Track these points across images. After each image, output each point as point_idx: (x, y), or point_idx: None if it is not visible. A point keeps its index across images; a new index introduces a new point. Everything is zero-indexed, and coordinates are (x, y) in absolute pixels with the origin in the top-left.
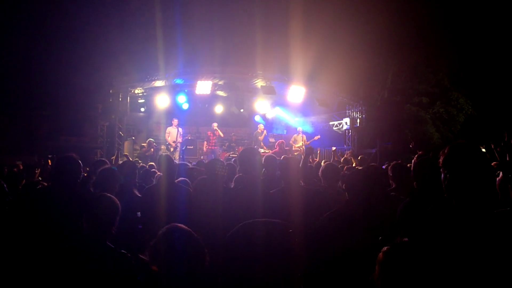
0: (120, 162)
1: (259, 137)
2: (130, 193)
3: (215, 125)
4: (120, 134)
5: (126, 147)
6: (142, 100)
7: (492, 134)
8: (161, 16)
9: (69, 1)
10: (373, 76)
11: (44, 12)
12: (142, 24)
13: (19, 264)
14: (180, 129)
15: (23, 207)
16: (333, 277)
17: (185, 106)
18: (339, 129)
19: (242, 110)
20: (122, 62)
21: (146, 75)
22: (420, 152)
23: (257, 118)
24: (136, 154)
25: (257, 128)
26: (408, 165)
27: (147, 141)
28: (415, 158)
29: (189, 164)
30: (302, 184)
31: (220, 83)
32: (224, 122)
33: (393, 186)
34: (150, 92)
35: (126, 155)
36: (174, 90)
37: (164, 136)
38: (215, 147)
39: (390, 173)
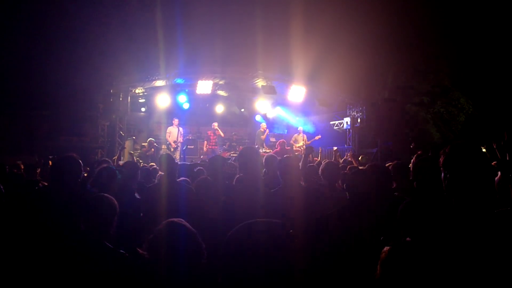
0: (122, 162)
1: (261, 136)
2: (131, 192)
3: (215, 124)
4: (121, 134)
5: (127, 147)
6: (143, 100)
7: (493, 134)
8: (161, 16)
9: (69, 1)
10: (374, 76)
11: (44, 12)
12: (142, 24)
13: (16, 264)
14: (180, 129)
15: (21, 206)
16: (334, 277)
17: (186, 106)
18: (339, 128)
19: (242, 110)
20: (122, 61)
21: (147, 75)
22: (419, 152)
23: (258, 117)
24: (136, 154)
25: (260, 127)
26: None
27: (147, 141)
28: (414, 158)
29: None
30: (302, 183)
31: (220, 82)
32: (224, 121)
33: (394, 185)
34: (151, 92)
35: (131, 153)
36: (175, 89)
37: (165, 136)
38: (216, 147)
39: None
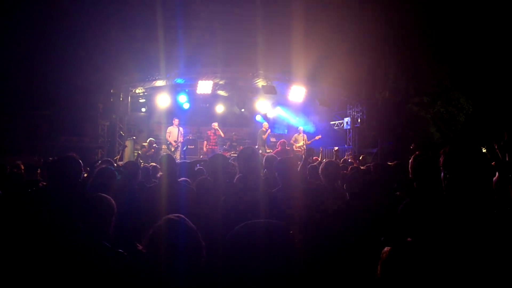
0: (121, 162)
1: (263, 136)
2: (132, 192)
3: (215, 125)
4: (121, 134)
5: (127, 147)
6: (143, 100)
7: (493, 134)
8: (162, 16)
9: (70, 1)
10: (374, 76)
11: (44, 11)
12: (143, 24)
13: (15, 263)
14: (181, 129)
15: (21, 206)
16: (334, 277)
17: (186, 106)
18: (340, 128)
19: (243, 110)
20: (123, 61)
21: (147, 75)
22: (417, 152)
23: (258, 117)
24: (136, 154)
25: (262, 126)
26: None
27: (147, 141)
28: (411, 158)
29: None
30: (302, 183)
31: (221, 82)
32: (225, 121)
33: (394, 185)
34: (151, 92)
35: (139, 154)
36: (175, 89)
37: (165, 136)
38: (216, 147)
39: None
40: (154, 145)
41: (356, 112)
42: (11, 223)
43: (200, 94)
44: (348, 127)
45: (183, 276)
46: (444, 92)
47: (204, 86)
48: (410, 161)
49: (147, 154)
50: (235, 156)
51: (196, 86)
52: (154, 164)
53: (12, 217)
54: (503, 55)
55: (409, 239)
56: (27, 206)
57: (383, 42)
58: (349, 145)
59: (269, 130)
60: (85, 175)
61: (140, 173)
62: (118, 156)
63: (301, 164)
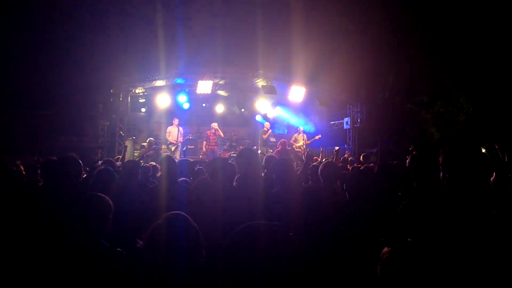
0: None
1: (263, 136)
2: (132, 192)
3: (215, 125)
4: (121, 134)
5: (127, 147)
6: (143, 100)
7: (492, 134)
8: (162, 16)
9: (70, 1)
10: (374, 76)
11: (44, 11)
12: (143, 24)
13: (13, 263)
14: (180, 129)
15: (20, 206)
16: (334, 278)
17: (186, 106)
18: (340, 128)
19: (243, 110)
20: (123, 61)
21: (147, 75)
22: (414, 153)
23: (258, 117)
24: (136, 154)
25: (263, 126)
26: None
27: (147, 141)
28: (409, 158)
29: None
30: (300, 184)
31: (221, 82)
32: (225, 121)
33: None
34: (151, 92)
35: (145, 157)
36: (175, 89)
37: (165, 136)
38: (215, 147)
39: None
40: (153, 146)
41: (356, 112)
42: (10, 223)
43: (200, 94)
44: (348, 127)
45: (182, 274)
46: (444, 91)
47: (204, 86)
48: (407, 161)
49: (147, 154)
50: (235, 156)
51: (196, 86)
52: (154, 164)
53: (11, 216)
54: (502, 55)
55: (409, 239)
56: (26, 206)
57: (383, 42)
58: (349, 145)
59: (270, 131)
60: (85, 175)
61: (140, 172)
62: (120, 157)
63: (301, 168)
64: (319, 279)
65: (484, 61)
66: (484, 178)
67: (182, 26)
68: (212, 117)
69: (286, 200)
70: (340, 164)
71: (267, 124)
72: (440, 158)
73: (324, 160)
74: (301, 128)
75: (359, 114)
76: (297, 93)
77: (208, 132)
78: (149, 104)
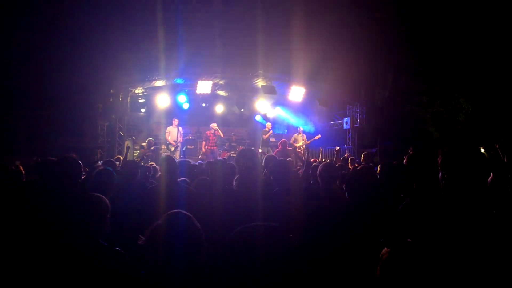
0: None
1: (263, 136)
2: (131, 192)
3: (214, 125)
4: (121, 134)
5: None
6: (143, 100)
7: (492, 134)
8: (162, 16)
9: (69, 1)
10: (374, 76)
11: (44, 11)
12: (142, 24)
13: (11, 264)
14: (180, 129)
15: (19, 206)
16: (333, 279)
17: (186, 106)
18: (339, 128)
19: (242, 110)
20: (122, 61)
21: (147, 75)
22: (411, 153)
23: (258, 117)
24: (136, 154)
25: (265, 126)
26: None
27: (146, 141)
28: (405, 159)
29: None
30: (299, 185)
31: (220, 82)
32: (224, 121)
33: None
34: (151, 92)
35: (146, 156)
36: (175, 89)
37: (165, 136)
38: (215, 147)
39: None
40: (152, 147)
41: (356, 112)
42: (9, 224)
43: (200, 94)
44: (348, 127)
45: (182, 273)
46: (443, 91)
47: (204, 86)
48: (404, 161)
49: (146, 153)
50: (234, 156)
51: (196, 86)
52: (153, 164)
53: (10, 217)
54: (501, 55)
55: (408, 240)
56: (25, 207)
57: (383, 42)
58: (349, 145)
59: (271, 131)
60: (84, 175)
61: (139, 173)
62: (122, 158)
63: (304, 169)
64: (319, 280)
65: (483, 61)
66: (483, 178)
67: (182, 26)
68: (211, 117)
69: (286, 201)
70: (339, 163)
71: (268, 125)
72: (438, 159)
73: (324, 160)
74: (301, 128)
75: (358, 114)
76: (297, 93)
77: (208, 132)
78: (148, 104)
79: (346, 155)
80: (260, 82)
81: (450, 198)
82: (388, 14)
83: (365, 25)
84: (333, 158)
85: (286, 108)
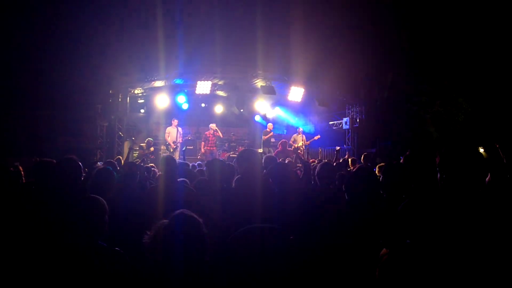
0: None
1: (263, 136)
2: (131, 193)
3: (213, 125)
4: (120, 135)
5: (126, 148)
6: (142, 101)
7: (492, 134)
8: (161, 16)
9: (68, 1)
10: (373, 76)
11: (43, 11)
12: (142, 24)
13: (11, 266)
14: (180, 129)
15: (18, 207)
16: (333, 279)
17: (185, 106)
18: (339, 128)
19: (242, 110)
20: (122, 62)
21: (146, 75)
22: (407, 153)
23: (257, 118)
24: (136, 155)
25: (266, 127)
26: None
27: (145, 141)
28: (402, 159)
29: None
30: (299, 186)
31: (220, 83)
32: (224, 122)
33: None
34: (150, 92)
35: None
36: (174, 90)
37: (164, 136)
38: (214, 148)
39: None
40: (151, 148)
41: (355, 112)
42: (8, 224)
43: (199, 95)
44: (347, 127)
45: (183, 273)
46: (443, 91)
47: (203, 87)
48: (400, 161)
49: (146, 154)
50: (234, 156)
51: (195, 86)
52: (152, 164)
53: (9, 218)
54: (501, 54)
55: (407, 241)
56: (24, 208)
57: (382, 42)
58: (348, 145)
59: (271, 133)
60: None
61: (139, 173)
62: (123, 159)
63: (303, 169)
64: (318, 281)
65: (483, 61)
66: (481, 178)
67: (181, 26)
68: (211, 117)
69: (285, 202)
70: (337, 162)
71: (269, 125)
72: (436, 159)
73: (324, 161)
74: (301, 129)
75: (358, 114)
76: (296, 93)
77: (207, 133)
78: (148, 104)
79: (346, 156)
80: (259, 83)
81: (448, 199)
82: (387, 14)
83: (364, 25)
84: (333, 158)
85: (285, 109)
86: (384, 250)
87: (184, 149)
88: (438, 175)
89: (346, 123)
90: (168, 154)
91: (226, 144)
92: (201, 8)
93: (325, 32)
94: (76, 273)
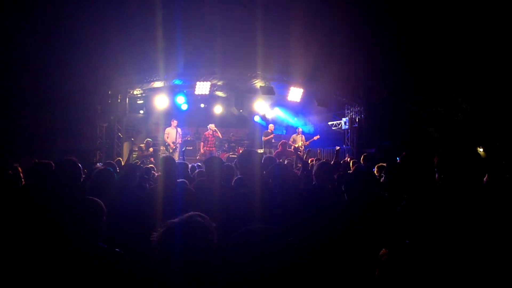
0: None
1: (264, 137)
2: (130, 194)
3: (212, 126)
4: (119, 136)
5: (125, 149)
6: (141, 101)
7: (490, 134)
8: (160, 17)
9: (67, 1)
10: (372, 76)
11: (42, 11)
12: (141, 25)
13: (11, 268)
14: (179, 130)
15: (17, 209)
16: (332, 279)
17: (184, 107)
18: (338, 129)
19: (241, 111)
20: (121, 62)
21: (145, 76)
22: (403, 153)
23: (257, 118)
24: (135, 156)
25: (267, 127)
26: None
27: (145, 141)
28: (399, 160)
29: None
30: (298, 186)
31: (219, 83)
32: (223, 122)
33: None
34: (149, 93)
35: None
36: (173, 90)
37: (163, 137)
38: (213, 148)
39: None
40: (150, 148)
41: (354, 112)
42: (8, 226)
43: (198, 95)
44: (346, 128)
45: (187, 274)
46: (442, 91)
47: (202, 87)
48: (398, 162)
49: (145, 154)
50: (234, 157)
51: (194, 87)
52: (152, 165)
53: (8, 220)
54: (501, 55)
55: (406, 241)
56: (24, 210)
57: (381, 42)
58: (347, 145)
59: (272, 134)
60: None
61: (138, 174)
62: (122, 159)
63: (301, 169)
64: (318, 282)
65: (482, 61)
66: (479, 179)
67: (180, 27)
68: (210, 118)
69: (285, 202)
70: (334, 161)
71: (271, 126)
72: (435, 160)
73: (321, 160)
74: (300, 129)
75: (357, 114)
76: (295, 93)
77: (206, 133)
78: (147, 105)
79: (347, 158)
80: (258, 83)
81: (446, 199)
82: (386, 15)
83: (363, 26)
84: (333, 158)
85: (284, 109)
86: (383, 250)
87: (183, 149)
88: (436, 176)
89: (345, 123)
90: (167, 154)
91: (226, 145)
92: (200, 9)
93: (324, 32)
94: (76, 274)
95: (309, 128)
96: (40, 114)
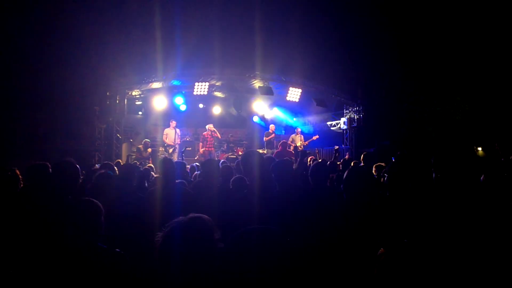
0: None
1: (265, 138)
2: (129, 195)
3: (211, 126)
4: (118, 137)
5: (124, 150)
6: (140, 102)
7: (489, 133)
8: (159, 17)
9: (66, 2)
10: (371, 76)
11: (42, 11)
12: (140, 25)
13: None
14: (178, 131)
15: (16, 211)
16: (331, 278)
17: (183, 108)
18: (337, 128)
19: (240, 111)
20: (119, 63)
21: (144, 77)
22: (398, 153)
23: (255, 118)
24: (134, 157)
25: (268, 128)
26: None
27: (143, 142)
28: (394, 159)
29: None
30: (298, 186)
31: (217, 84)
32: (222, 123)
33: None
34: (148, 94)
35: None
36: (172, 91)
37: (162, 138)
38: (212, 149)
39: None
40: (148, 149)
41: (353, 112)
42: (7, 227)
43: (197, 96)
44: (345, 127)
45: (183, 277)
46: (441, 91)
47: (201, 88)
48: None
49: (143, 155)
50: (233, 157)
51: (193, 87)
52: (151, 166)
53: (8, 221)
54: (500, 54)
55: (405, 240)
56: (23, 212)
57: (379, 42)
58: (346, 145)
59: (273, 134)
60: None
61: (137, 175)
62: (121, 161)
63: (295, 166)
64: (317, 279)
65: (481, 60)
66: (475, 178)
67: (179, 28)
68: (209, 118)
69: (284, 202)
70: (330, 161)
71: (271, 127)
72: (432, 160)
73: (317, 160)
74: (299, 129)
75: (356, 114)
76: (294, 93)
77: (205, 133)
78: (146, 106)
79: (347, 157)
80: (257, 83)
81: (443, 198)
82: (386, 14)
83: (362, 26)
84: (332, 158)
85: (283, 109)
86: (381, 249)
87: (183, 150)
88: (433, 175)
89: (344, 123)
90: (166, 155)
91: (225, 145)
92: (198, 10)
93: (322, 32)
94: (76, 274)
95: (308, 128)
96: (40, 114)
